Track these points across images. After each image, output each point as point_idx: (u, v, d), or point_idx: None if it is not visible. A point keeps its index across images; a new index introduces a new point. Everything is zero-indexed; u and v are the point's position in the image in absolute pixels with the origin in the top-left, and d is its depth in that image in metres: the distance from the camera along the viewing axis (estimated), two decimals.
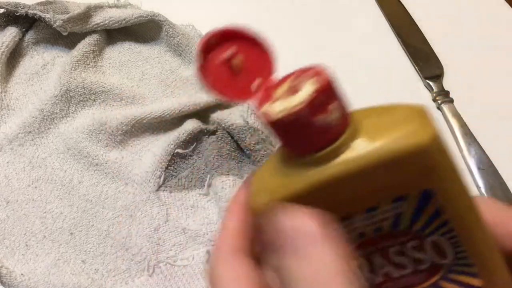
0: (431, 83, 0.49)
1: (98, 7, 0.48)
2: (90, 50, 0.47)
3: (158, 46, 0.50)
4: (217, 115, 0.44)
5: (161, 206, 0.40)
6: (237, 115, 0.43)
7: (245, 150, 0.42)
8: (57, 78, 0.45)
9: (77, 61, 0.45)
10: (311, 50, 0.52)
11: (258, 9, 0.56)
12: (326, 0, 0.57)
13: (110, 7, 0.50)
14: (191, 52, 0.48)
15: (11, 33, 0.46)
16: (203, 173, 0.42)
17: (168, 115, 0.43)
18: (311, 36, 0.53)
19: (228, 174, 0.41)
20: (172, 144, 0.42)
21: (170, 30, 0.48)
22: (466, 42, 0.53)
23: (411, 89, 0.50)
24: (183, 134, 0.42)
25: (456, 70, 0.50)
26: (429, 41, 0.53)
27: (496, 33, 0.54)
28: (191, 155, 0.42)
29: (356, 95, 0.52)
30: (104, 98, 0.45)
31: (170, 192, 0.41)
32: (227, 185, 0.40)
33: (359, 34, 0.54)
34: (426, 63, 0.51)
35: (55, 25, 0.45)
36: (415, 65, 0.51)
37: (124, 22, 0.48)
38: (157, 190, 0.41)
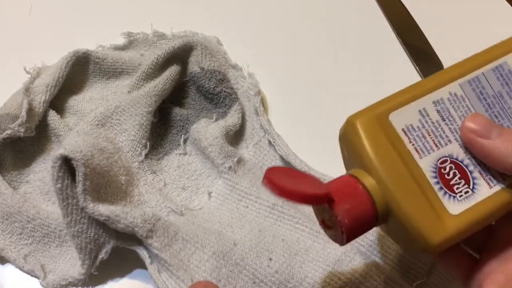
0: None
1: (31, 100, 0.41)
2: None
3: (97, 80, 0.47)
4: None
5: (154, 173, 0.41)
6: (193, 62, 0.44)
7: (207, 96, 0.44)
8: None
9: None
10: (310, 50, 0.52)
11: (257, 8, 0.56)
12: (326, 0, 0.57)
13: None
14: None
15: None
16: (175, 132, 0.43)
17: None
18: (311, 36, 0.53)
19: (200, 119, 0.43)
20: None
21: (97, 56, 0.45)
22: (466, 42, 0.53)
23: None
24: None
25: None
26: (429, 41, 0.53)
27: (496, 33, 0.54)
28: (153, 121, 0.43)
29: (356, 95, 0.52)
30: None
31: (158, 160, 0.42)
32: (201, 127, 0.42)
33: (359, 33, 0.54)
34: (426, 63, 0.51)
35: (24, 135, 0.40)
36: (415, 65, 0.51)
37: (56, 87, 0.43)
38: (143, 160, 0.42)
